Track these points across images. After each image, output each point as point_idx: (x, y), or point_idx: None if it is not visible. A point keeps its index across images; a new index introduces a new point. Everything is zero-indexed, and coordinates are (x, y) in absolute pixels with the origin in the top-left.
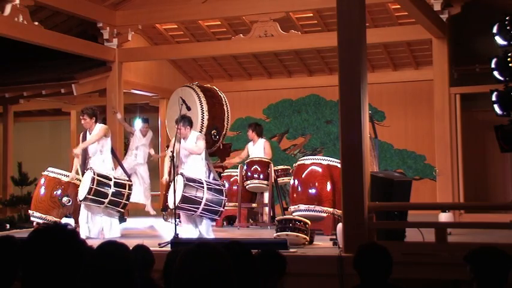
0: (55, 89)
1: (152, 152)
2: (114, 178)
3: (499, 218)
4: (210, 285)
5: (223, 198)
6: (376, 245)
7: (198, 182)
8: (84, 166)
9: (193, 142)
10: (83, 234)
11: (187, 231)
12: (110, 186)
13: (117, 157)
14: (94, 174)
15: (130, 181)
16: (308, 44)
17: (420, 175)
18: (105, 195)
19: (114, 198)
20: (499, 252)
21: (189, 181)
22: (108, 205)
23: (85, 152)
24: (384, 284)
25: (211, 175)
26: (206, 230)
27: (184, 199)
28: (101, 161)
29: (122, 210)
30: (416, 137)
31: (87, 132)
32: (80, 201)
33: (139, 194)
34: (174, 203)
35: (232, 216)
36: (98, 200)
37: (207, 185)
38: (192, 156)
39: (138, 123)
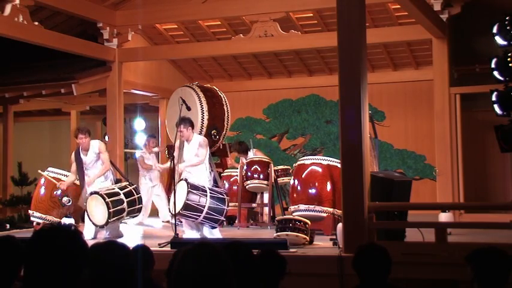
0: (55, 89)
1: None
2: (119, 189)
3: (499, 218)
4: (209, 286)
5: (225, 207)
6: (375, 246)
7: (202, 190)
8: (81, 173)
9: (195, 148)
10: (87, 235)
11: (189, 234)
12: (122, 201)
13: (116, 166)
14: (105, 198)
15: (132, 184)
16: (308, 44)
17: (420, 175)
18: (122, 211)
19: (130, 208)
20: (499, 252)
21: (193, 189)
22: (126, 216)
23: (80, 162)
24: (384, 284)
25: (212, 174)
26: (209, 233)
27: (187, 207)
28: (103, 178)
29: (138, 213)
30: (416, 137)
31: (80, 151)
32: (102, 226)
33: (165, 211)
34: (175, 209)
35: (232, 216)
36: (119, 218)
37: (210, 193)
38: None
39: (140, 123)
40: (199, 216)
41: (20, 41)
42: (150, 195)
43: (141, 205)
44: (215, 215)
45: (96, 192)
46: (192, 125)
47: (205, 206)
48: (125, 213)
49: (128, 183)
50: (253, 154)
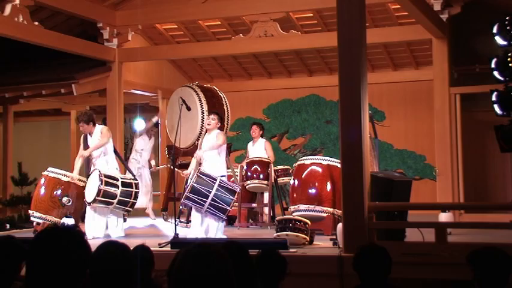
0: (55, 89)
1: (153, 163)
2: (121, 178)
3: (499, 218)
4: (209, 286)
5: (233, 198)
6: (376, 246)
7: (212, 178)
8: (88, 168)
9: (214, 139)
10: (88, 234)
11: (195, 229)
12: (117, 186)
13: (120, 157)
14: (101, 176)
15: (136, 180)
16: (308, 44)
17: (420, 175)
18: (114, 196)
19: (122, 198)
20: (500, 252)
21: (202, 175)
22: (116, 205)
23: (86, 146)
24: (384, 284)
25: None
26: (215, 231)
27: (193, 189)
28: (105, 162)
29: (131, 209)
30: (416, 137)
31: (88, 135)
32: (89, 203)
33: (142, 197)
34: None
35: (232, 216)
36: (107, 201)
37: (219, 182)
38: (210, 154)
39: (140, 124)
40: (205, 202)
41: (20, 41)
42: (138, 173)
43: (135, 201)
44: (222, 204)
45: (95, 170)
46: (221, 121)
47: (211, 192)
48: (115, 201)
49: (132, 178)
50: (263, 144)
